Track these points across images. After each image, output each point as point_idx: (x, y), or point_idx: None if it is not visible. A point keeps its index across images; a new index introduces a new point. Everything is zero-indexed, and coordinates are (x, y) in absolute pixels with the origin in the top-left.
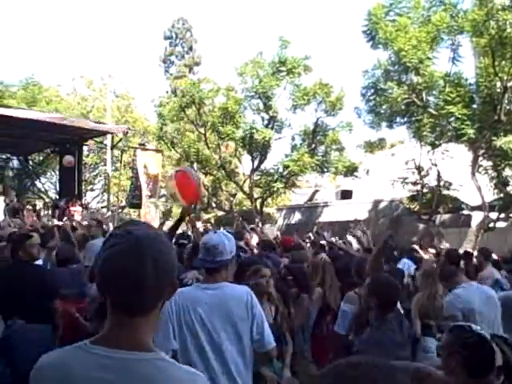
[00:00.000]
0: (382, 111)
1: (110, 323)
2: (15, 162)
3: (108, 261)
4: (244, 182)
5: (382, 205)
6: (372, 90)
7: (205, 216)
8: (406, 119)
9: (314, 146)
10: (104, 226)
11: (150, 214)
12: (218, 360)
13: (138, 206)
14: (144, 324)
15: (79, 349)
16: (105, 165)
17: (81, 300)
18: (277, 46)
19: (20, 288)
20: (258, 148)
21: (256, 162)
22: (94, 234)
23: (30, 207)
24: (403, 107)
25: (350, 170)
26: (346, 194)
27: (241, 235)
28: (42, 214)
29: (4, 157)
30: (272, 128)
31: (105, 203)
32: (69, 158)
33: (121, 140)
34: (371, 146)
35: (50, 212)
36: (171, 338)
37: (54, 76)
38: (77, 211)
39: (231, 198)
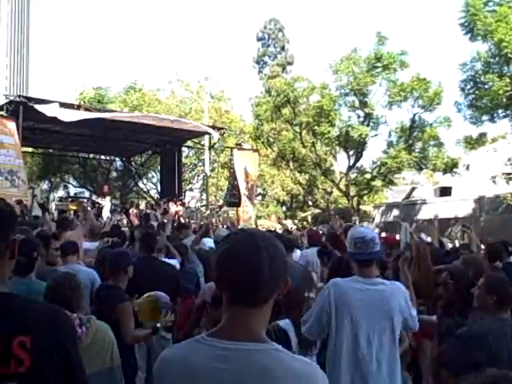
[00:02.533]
0: (483, 105)
1: (225, 315)
2: (119, 164)
3: (225, 253)
4: (340, 179)
5: (484, 201)
6: (471, 84)
7: (301, 214)
8: (508, 112)
9: (411, 142)
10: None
11: (248, 212)
12: (370, 350)
13: (236, 204)
14: (258, 315)
15: (197, 342)
16: (203, 165)
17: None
18: (373, 42)
19: (150, 281)
20: (353, 145)
21: (352, 160)
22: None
23: (134, 207)
24: (505, 100)
25: (450, 167)
26: (445, 191)
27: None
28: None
29: (108, 158)
30: (368, 125)
31: (204, 202)
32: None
33: (218, 141)
34: (471, 142)
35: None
36: (318, 329)
37: (153, 80)
38: (178, 210)
39: (327, 196)
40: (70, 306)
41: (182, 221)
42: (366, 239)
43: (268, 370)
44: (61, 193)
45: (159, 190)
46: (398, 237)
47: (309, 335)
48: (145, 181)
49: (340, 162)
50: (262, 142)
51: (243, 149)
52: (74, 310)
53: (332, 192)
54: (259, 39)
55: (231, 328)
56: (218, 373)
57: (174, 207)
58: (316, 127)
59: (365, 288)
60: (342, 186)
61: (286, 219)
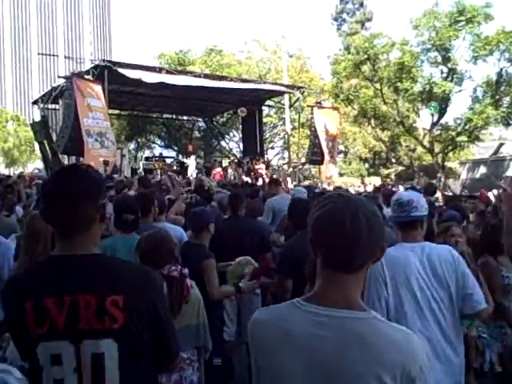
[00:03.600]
0: None
1: (321, 280)
2: (201, 124)
3: (322, 217)
4: (424, 136)
5: None
6: None
7: (384, 171)
8: None
9: (497, 97)
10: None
11: (330, 170)
12: (432, 319)
13: (318, 162)
14: (354, 281)
15: (294, 306)
16: (283, 124)
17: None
18: None
19: (239, 239)
20: (437, 102)
21: (435, 116)
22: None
23: (217, 166)
24: None
25: None
26: None
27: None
28: (228, 171)
29: (191, 119)
30: (451, 81)
31: (286, 160)
32: (243, 109)
33: (298, 100)
34: None
35: (235, 169)
36: (378, 300)
37: (232, 42)
38: (260, 168)
39: (410, 153)
40: (174, 257)
41: (266, 179)
42: (401, 202)
43: (364, 338)
44: (147, 152)
45: (241, 148)
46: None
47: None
48: (227, 140)
49: (423, 119)
50: (342, 100)
51: (323, 107)
52: (177, 261)
53: (416, 149)
54: None
55: (327, 293)
56: (319, 340)
57: (256, 165)
58: (398, 84)
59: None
60: (425, 142)
61: (369, 176)
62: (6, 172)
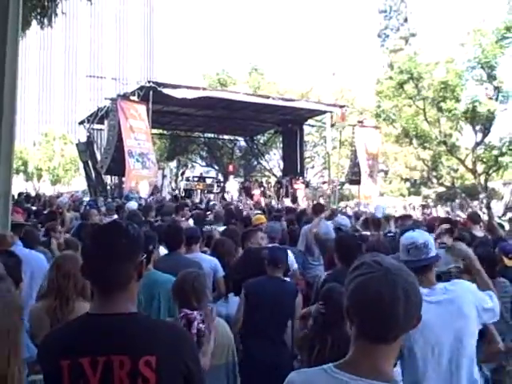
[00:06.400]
0: None
1: (354, 348)
2: (242, 144)
3: (361, 287)
4: (466, 156)
5: None
6: None
7: (425, 191)
8: None
9: None
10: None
11: (369, 190)
12: (453, 369)
13: (356, 182)
14: (388, 353)
15: (324, 371)
16: (324, 142)
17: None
18: (503, 10)
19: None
20: (481, 121)
21: (479, 135)
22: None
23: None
24: None
25: None
26: None
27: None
28: (267, 191)
29: (232, 138)
30: (496, 99)
31: (325, 179)
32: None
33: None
34: None
35: (274, 189)
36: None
37: (273, 60)
38: (299, 188)
39: (452, 173)
40: (190, 304)
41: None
42: (418, 245)
43: None
44: (187, 172)
45: (282, 167)
46: None
47: None
48: (267, 159)
49: (466, 138)
50: (384, 119)
51: (365, 126)
52: (195, 308)
53: (458, 169)
54: (381, 12)
55: (360, 362)
56: None
57: (295, 185)
58: (442, 103)
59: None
60: (468, 162)
61: (409, 195)
62: (51, 190)
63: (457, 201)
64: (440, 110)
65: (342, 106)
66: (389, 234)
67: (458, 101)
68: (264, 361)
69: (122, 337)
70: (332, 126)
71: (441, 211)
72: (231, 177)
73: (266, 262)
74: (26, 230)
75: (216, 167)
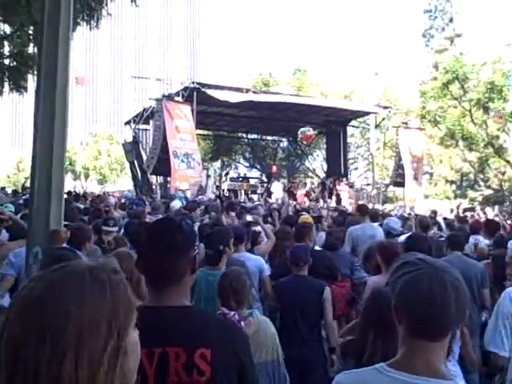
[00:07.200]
0: None
1: (405, 347)
2: (285, 144)
3: (411, 285)
4: None
5: None
6: None
7: (472, 194)
8: None
9: None
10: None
11: (414, 192)
12: None
13: (401, 184)
14: (439, 350)
15: (377, 371)
16: (368, 144)
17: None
18: None
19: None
20: None
21: None
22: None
23: (301, 187)
24: None
25: None
26: None
27: None
28: (311, 193)
29: (275, 139)
30: None
31: (369, 180)
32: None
33: (383, 119)
34: None
35: (318, 191)
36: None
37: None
38: (343, 189)
39: (500, 176)
40: (229, 303)
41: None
42: None
43: None
44: (231, 173)
45: (325, 169)
46: None
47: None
48: (311, 160)
49: None
50: (429, 121)
51: (409, 127)
52: (233, 308)
53: (505, 171)
54: (426, 11)
55: (411, 361)
56: None
57: (339, 187)
58: (489, 103)
59: None
60: None
61: (455, 198)
62: (97, 189)
63: (506, 204)
64: (487, 110)
65: (386, 107)
66: (440, 239)
67: (505, 101)
68: (296, 359)
69: (176, 329)
70: (376, 127)
71: (491, 214)
72: (275, 181)
73: (287, 262)
74: (77, 227)
75: (259, 168)
